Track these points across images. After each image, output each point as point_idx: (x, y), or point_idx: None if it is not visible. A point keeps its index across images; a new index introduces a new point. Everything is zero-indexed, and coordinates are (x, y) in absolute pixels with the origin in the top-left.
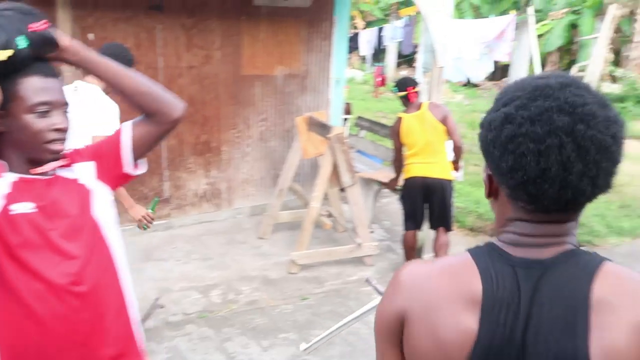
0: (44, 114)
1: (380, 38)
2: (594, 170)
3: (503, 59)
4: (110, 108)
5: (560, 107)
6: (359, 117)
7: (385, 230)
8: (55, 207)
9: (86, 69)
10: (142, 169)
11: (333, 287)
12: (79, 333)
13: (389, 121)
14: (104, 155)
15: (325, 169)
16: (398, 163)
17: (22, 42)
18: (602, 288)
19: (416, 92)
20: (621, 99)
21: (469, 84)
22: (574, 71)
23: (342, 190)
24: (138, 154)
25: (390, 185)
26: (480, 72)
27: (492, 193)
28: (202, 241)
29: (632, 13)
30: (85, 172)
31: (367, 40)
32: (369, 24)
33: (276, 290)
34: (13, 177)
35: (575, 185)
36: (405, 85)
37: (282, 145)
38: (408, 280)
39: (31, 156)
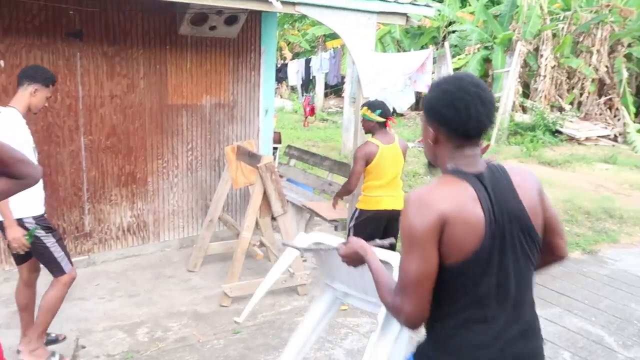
0: None
1: (308, 69)
2: (490, 113)
3: (424, 90)
4: (22, 134)
5: (471, 83)
6: (289, 146)
7: (318, 258)
8: None
9: None
10: None
11: (266, 318)
12: None
13: (319, 150)
14: None
15: (256, 198)
16: (350, 188)
17: None
18: (514, 177)
19: (392, 121)
20: (532, 127)
21: (394, 114)
22: None
23: (274, 219)
24: None
25: (331, 211)
26: (404, 102)
27: (436, 141)
28: (127, 277)
29: (536, 49)
30: None
31: (295, 71)
32: (296, 55)
33: (207, 325)
34: None
35: (484, 121)
36: (388, 113)
37: (211, 175)
38: (435, 195)
39: None
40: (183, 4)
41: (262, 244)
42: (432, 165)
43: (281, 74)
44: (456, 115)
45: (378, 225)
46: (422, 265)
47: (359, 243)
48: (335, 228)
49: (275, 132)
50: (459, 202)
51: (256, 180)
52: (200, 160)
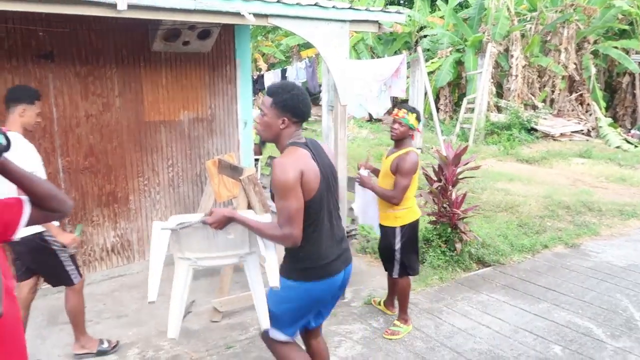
0: None
1: (284, 79)
2: (309, 104)
3: (400, 95)
4: (32, 154)
5: (303, 89)
6: (270, 157)
7: None
8: None
9: (3, 173)
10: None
11: (258, 331)
12: None
13: None
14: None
15: (240, 209)
16: (397, 203)
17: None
18: (323, 145)
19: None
20: (508, 126)
21: (372, 120)
22: (464, 104)
23: None
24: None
25: None
26: (380, 108)
27: (285, 126)
28: (114, 298)
29: (507, 50)
30: None
31: (272, 82)
32: (272, 66)
33: (199, 341)
34: None
35: (310, 110)
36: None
37: (193, 190)
38: (293, 158)
39: None
40: (154, 21)
41: None
42: (264, 143)
43: (258, 85)
44: (302, 109)
45: (417, 233)
46: (298, 202)
47: (224, 210)
48: None
49: (255, 144)
50: (305, 161)
51: (239, 193)
52: (182, 176)
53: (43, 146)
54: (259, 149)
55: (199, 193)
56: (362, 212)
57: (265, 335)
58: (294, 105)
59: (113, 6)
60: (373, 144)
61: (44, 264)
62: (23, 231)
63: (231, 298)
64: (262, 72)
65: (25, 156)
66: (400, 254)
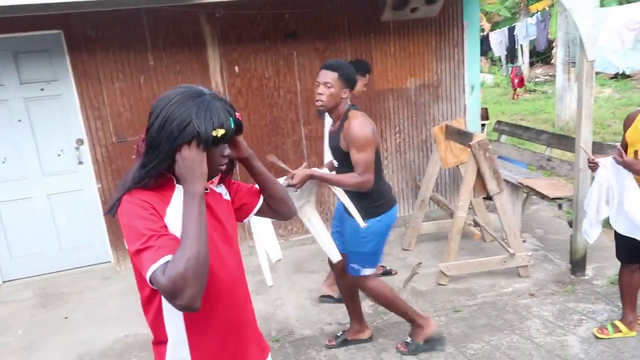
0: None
1: (512, 37)
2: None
3: None
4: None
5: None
6: (499, 122)
7: (538, 239)
8: (214, 214)
9: (246, 164)
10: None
11: (486, 299)
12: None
13: (528, 124)
14: (241, 198)
15: (469, 177)
16: None
17: (232, 124)
18: None
19: None
20: None
21: (617, 76)
22: None
23: (488, 198)
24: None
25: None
26: (634, 61)
27: (345, 97)
28: None
29: None
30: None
31: (498, 42)
32: (495, 25)
33: (426, 302)
34: None
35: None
36: None
37: (419, 156)
38: (366, 120)
39: None
40: None
41: (476, 224)
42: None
43: (482, 47)
44: (355, 82)
45: None
46: (372, 153)
47: (305, 170)
48: (559, 207)
49: (481, 108)
50: (370, 120)
51: (469, 159)
52: (408, 142)
53: (289, 117)
54: (485, 113)
55: (424, 159)
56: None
57: (354, 278)
58: (353, 79)
59: None
60: (619, 104)
61: None
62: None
63: (458, 263)
64: (485, 33)
65: None
66: None
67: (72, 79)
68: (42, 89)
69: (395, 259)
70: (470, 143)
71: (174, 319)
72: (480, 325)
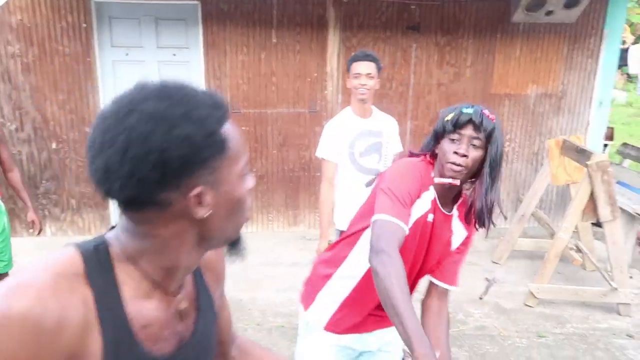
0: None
1: None
2: None
3: None
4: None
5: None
6: (624, 144)
7: None
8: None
9: None
10: None
11: (577, 330)
12: None
13: None
14: None
15: (581, 199)
16: None
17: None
18: None
19: None
20: None
21: None
22: None
23: (598, 225)
24: None
25: None
26: None
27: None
28: None
29: None
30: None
31: (638, 58)
32: (638, 39)
33: (509, 320)
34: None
35: None
36: None
37: (527, 168)
38: None
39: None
40: None
41: (578, 249)
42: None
43: (619, 60)
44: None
45: None
46: None
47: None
48: None
49: (607, 128)
50: None
51: (583, 179)
52: (518, 152)
53: (397, 109)
54: (610, 133)
55: (532, 172)
56: None
57: None
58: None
59: None
60: None
61: None
62: None
63: (552, 287)
64: (626, 46)
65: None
66: None
67: (201, 47)
68: (174, 54)
69: (482, 270)
70: (588, 162)
71: (361, 257)
72: (565, 356)
